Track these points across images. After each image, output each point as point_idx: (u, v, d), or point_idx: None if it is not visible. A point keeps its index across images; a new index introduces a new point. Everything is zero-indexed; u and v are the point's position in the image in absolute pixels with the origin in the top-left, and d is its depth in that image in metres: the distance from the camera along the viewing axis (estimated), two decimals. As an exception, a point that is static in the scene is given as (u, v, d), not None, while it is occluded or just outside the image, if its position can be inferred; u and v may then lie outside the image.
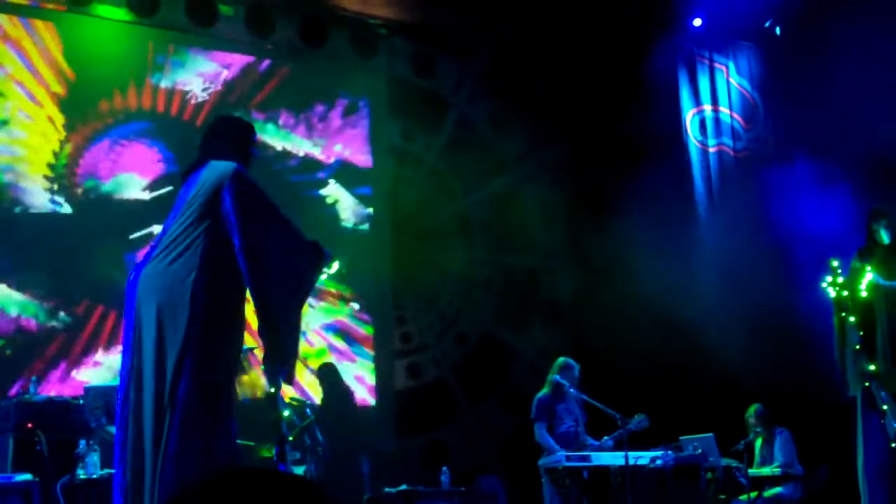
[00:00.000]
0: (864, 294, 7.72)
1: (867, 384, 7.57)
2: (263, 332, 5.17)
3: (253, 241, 5.14)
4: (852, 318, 7.69)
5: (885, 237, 7.87)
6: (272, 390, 5.36)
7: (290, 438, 8.00)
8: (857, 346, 7.65)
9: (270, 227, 5.24)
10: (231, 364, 5.28)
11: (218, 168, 5.29)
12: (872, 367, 7.56)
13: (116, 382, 7.30)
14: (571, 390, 9.13)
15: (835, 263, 7.80)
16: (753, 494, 9.38)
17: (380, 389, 11.72)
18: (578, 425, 9.17)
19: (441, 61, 12.58)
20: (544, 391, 9.25)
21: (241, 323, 5.33)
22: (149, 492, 4.92)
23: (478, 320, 12.51)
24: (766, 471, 9.79)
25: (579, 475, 8.73)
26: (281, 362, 5.21)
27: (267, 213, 5.28)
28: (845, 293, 7.74)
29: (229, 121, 5.86)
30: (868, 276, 7.74)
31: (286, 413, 7.17)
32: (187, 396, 4.99)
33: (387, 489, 9.42)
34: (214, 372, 5.11)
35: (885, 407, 7.46)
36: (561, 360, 9.39)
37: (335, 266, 5.54)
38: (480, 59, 12.50)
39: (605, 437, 9.07)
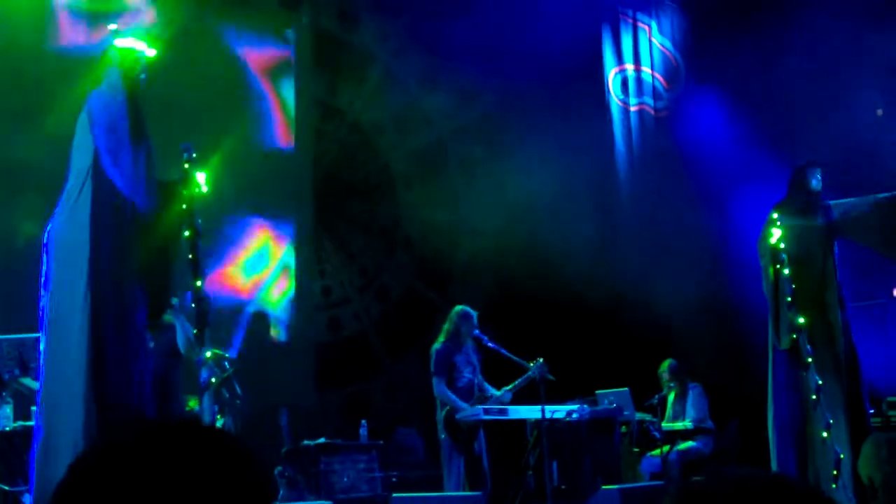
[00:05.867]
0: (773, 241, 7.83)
1: (794, 336, 7.67)
2: None
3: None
4: (786, 270, 7.76)
5: (817, 185, 8.06)
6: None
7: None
8: (789, 298, 7.72)
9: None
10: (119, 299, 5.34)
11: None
12: (801, 320, 7.67)
13: (30, 335, 7.32)
14: (473, 337, 8.95)
15: (774, 215, 7.87)
16: (666, 448, 9.56)
17: (299, 342, 11.71)
18: (475, 374, 9.04)
19: (366, 15, 12.48)
20: (442, 341, 8.96)
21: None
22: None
23: (399, 275, 12.53)
24: (678, 425, 9.97)
25: (478, 429, 8.75)
26: None
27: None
28: (782, 245, 7.80)
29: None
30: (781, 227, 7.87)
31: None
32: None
33: (305, 442, 9.46)
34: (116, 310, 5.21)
35: (809, 360, 7.59)
36: (459, 308, 9.05)
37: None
38: (406, 13, 12.42)
39: (504, 389, 8.96)
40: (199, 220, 5.75)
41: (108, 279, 5.33)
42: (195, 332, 5.52)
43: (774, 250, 7.79)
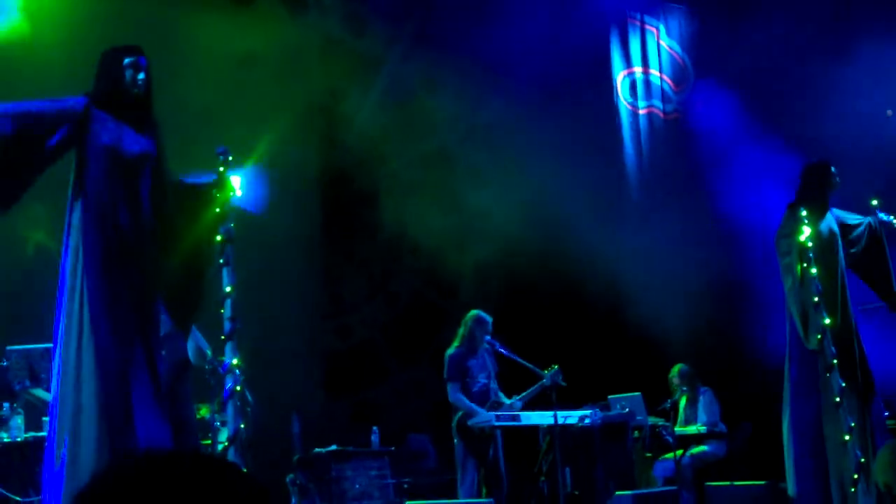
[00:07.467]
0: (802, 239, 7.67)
1: (819, 337, 7.57)
2: None
3: None
4: (814, 270, 7.64)
5: (836, 184, 8.00)
6: None
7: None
8: (816, 299, 7.59)
9: None
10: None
11: None
12: (828, 321, 7.55)
13: (41, 345, 7.29)
14: (486, 343, 8.90)
15: (803, 212, 7.72)
16: (679, 452, 9.51)
17: (309, 350, 11.67)
18: (490, 380, 8.97)
19: (373, 20, 12.43)
20: (456, 346, 8.95)
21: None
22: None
23: (407, 282, 12.49)
24: (691, 429, 9.92)
25: (493, 435, 8.68)
26: None
27: None
28: (810, 244, 7.66)
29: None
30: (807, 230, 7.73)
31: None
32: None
33: (317, 449, 9.41)
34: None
35: (834, 361, 7.48)
36: (474, 313, 9.02)
37: None
38: (414, 18, 12.39)
39: (515, 398, 8.93)
40: (232, 225, 5.66)
41: (109, 296, 5.23)
42: (223, 338, 5.44)
43: (803, 248, 7.65)
